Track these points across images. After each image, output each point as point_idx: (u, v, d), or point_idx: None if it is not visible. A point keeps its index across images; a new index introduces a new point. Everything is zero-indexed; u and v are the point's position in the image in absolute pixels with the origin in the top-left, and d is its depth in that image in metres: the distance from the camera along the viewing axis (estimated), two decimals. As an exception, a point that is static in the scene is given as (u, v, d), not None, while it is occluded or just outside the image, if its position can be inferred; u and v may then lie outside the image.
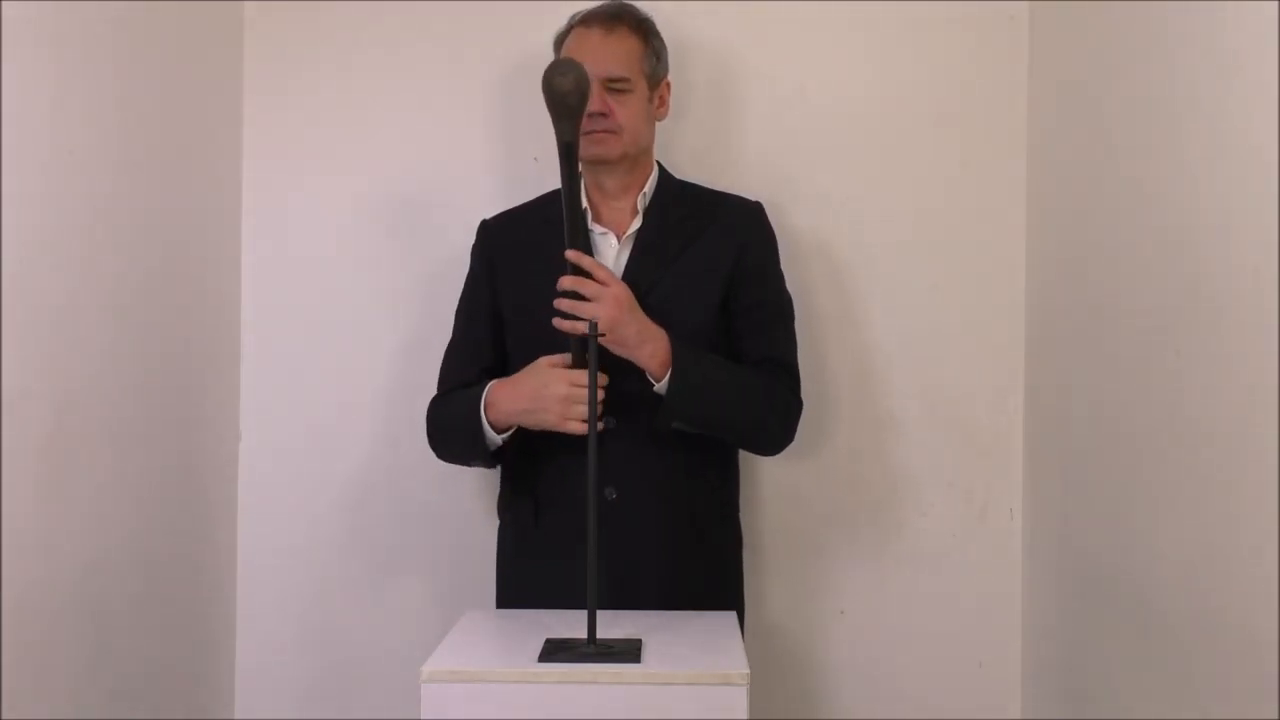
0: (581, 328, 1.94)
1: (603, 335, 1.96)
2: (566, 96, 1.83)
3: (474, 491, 2.48)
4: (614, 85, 2.14)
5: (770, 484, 2.53)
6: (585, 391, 1.92)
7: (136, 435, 2.16)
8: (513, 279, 2.19)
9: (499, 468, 2.28)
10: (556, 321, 1.99)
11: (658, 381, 2.04)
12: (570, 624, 1.78)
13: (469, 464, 2.21)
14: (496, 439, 2.09)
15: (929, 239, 2.54)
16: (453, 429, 2.17)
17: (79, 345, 1.97)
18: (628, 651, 1.68)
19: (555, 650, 1.68)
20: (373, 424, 2.56)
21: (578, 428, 2.00)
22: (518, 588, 2.21)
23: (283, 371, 2.56)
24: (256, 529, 2.56)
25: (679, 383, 2.03)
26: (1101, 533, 2.13)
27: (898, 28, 2.53)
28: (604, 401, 2.01)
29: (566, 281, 2.00)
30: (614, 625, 1.79)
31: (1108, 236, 2.12)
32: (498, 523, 2.29)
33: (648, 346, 2.03)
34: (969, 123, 2.54)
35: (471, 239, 2.27)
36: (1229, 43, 1.69)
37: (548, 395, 2.02)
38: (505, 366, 2.18)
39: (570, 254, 1.99)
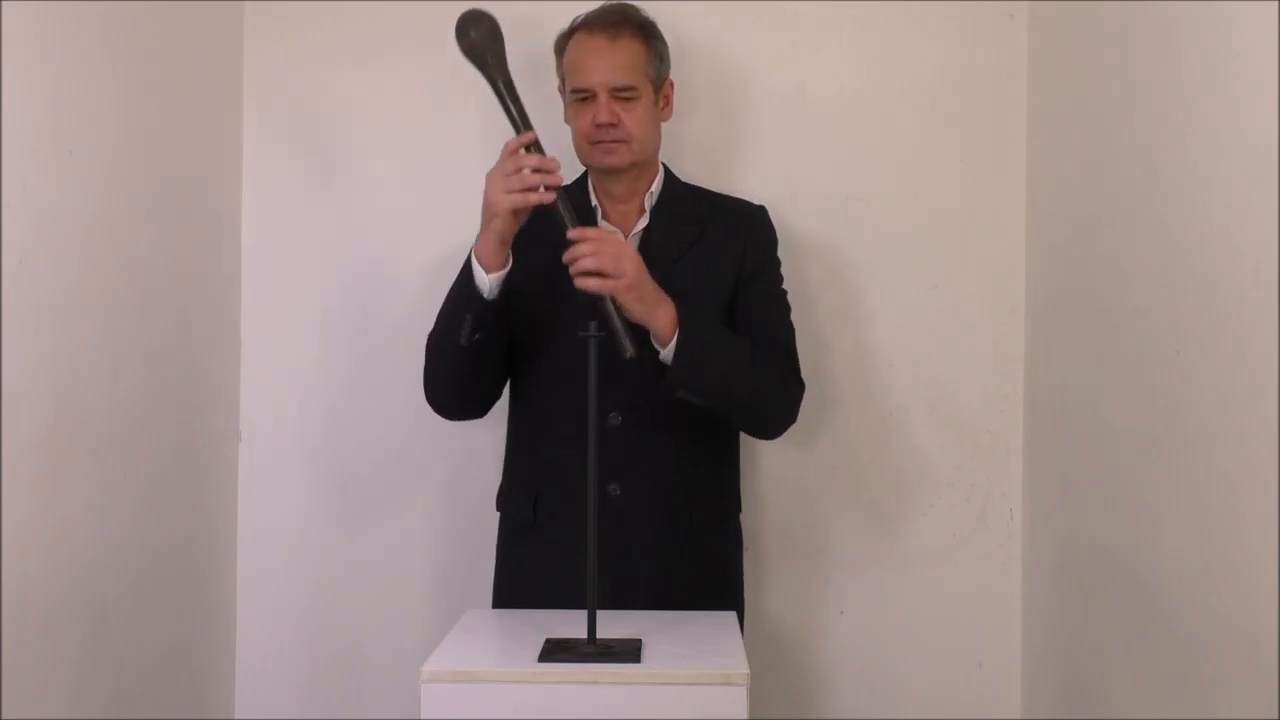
0: (610, 285, 1.92)
1: (625, 288, 1.94)
2: (474, 52, 2.00)
3: (474, 491, 2.48)
4: (621, 94, 2.13)
5: (770, 484, 2.53)
6: (526, 161, 1.93)
7: (136, 435, 2.16)
8: (518, 264, 2.17)
9: (503, 459, 2.27)
10: (580, 282, 1.93)
11: (664, 346, 2.01)
12: (570, 624, 1.78)
13: (461, 352, 2.05)
14: (485, 278, 2.01)
15: (929, 239, 2.54)
16: (442, 312, 2.09)
17: (78, 345, 1.97)
18: (628, 651, 1.68)
19: (555, 650, 1.68)
20: (373, 424, 2.56)
21: (512, 200, 1.94)
22: (514, 580, 2.20)
23: (283, 372, 2.57)
24: (256, 529, 2.57)
25: (685, 349, 1.99)
26: (1101, 533, 2.13)
27: (897, 27, 2.53)
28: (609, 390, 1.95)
29: (577, 235, 1.95)
30: (614, 625, 1.79)
31: (1108, 236, 2.12)
32: (498, 519, 2.29)
33: (663, 307, 2.00)
34: (969, 122, 2.54)
35: (473, 237, 2.26)
36: (1229, 42, 1.69)
37: (489, 177, 1.97)
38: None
39: (573, 232, 1.96)
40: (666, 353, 2.01)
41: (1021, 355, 2.54)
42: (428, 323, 2.12)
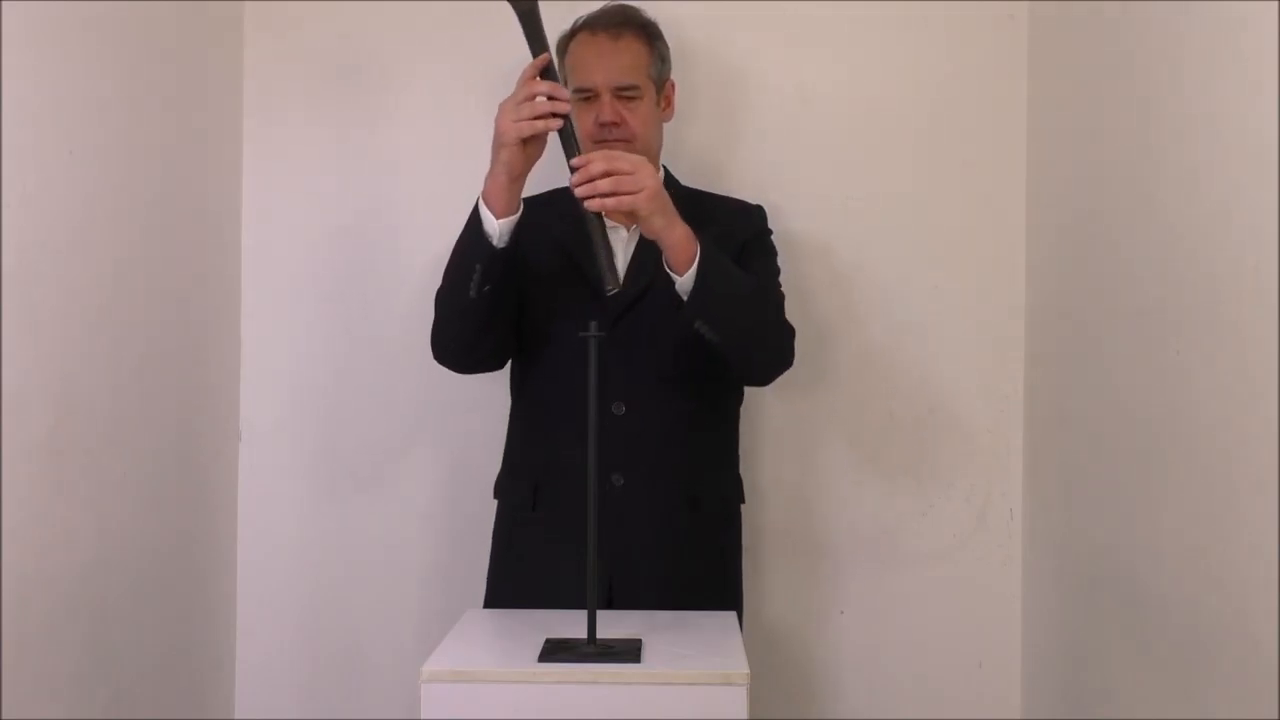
0: (628, 201, 1.87)
1: (646, 199, 1.89)
2: None
3: (474, 491, 2.48)
4: (624, 93, 2.13)
5: (771, 483, 2.53)
6: (540, 89, 1.89)
7: (136, 435, 2.16)
8: (524, 258, 2.16)
9: (505, 441, 2.27)
10: (596, 203, 1.87)
11: (680, 274, 1.95)
12: (570, 624, 1.78)
13: (471, 305, 2.00)
14: (495, 224, 1.96)
15: (929, 239, 2.54)
16: (449, 264, 2.05)
17: (79, 345, 1.97)
18: (628, 651, 1.68)
19: (555, 650, 1.68)
20: (373, 423, 2.56)
21: (519, 129, 1.90)
22: (511, 572, 2.19)
23: (282, 371, 2.57)
24: (256, 529, 2.57)
25: (705, 271, 1.93)
26: (1101, 533, 2.13)
27: (897, 28, 2.54)
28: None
29: (581, 161, 1.90)
30: (614, 625, 1.79)
31: (1108, 236, 2.12)
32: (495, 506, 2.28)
33: (680, 224, 1.95)
34: (969, 123, 2.54)
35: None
36: (1229, 43, 1.69)
37: (502, 106, 1.93)
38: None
39: (577, 159, 1.91)
40: (685, 280, 1.95)
41: (1021, 355, 2.54)
42: (427, 323, 2.12)
